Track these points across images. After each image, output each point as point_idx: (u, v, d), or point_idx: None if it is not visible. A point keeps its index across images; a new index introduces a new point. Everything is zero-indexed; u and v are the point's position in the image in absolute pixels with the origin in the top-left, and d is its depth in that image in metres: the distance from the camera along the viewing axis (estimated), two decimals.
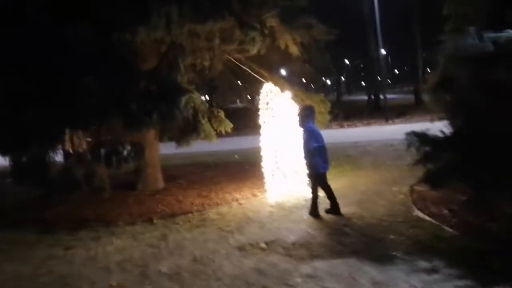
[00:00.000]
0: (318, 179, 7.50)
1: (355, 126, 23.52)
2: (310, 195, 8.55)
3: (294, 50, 9.84)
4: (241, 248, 6.39)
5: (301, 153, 7.73)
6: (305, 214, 7.62)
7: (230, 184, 10.79)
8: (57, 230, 8.38)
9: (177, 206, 9.27)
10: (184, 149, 12.04)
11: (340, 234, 6.58)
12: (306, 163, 7.59)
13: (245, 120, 16.61)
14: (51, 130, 8.25)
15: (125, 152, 8.43)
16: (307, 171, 7.67)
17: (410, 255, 5.58)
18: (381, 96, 32.62)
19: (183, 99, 7.94)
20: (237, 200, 9.26)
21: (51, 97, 8.20)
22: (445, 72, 7.30)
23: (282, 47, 9.56)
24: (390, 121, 22.64)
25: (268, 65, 10.85)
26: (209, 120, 9.94)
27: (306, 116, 7.58)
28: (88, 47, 8.32)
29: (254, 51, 9.30)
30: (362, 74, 74.62)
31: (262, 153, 9.35)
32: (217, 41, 8.77)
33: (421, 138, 6.17)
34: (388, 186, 9.21)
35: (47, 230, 8.44)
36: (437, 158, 5.92)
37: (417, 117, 22.99)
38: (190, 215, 8.48)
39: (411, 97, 35.78)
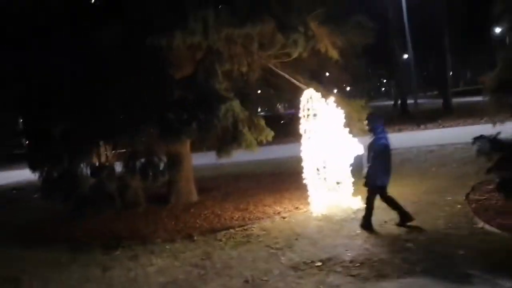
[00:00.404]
0: (377, 191, 6.91)
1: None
2: (358, 207, 8.03)
3: (334, 54, 9.29)
4: (295, 268, 5.84)
5: (364, 161, 7.07)
6: (358, 228, 7.04)
7: (267, 196, 10.24)
8: (91, 249, 7.99)
9: (216, 220, 8.77)
10: (212, 160, 11.60)
11: (403, 250, 5.99)
12: (368, 172, 6.92)
13: (282, 128, 16.14)
14: (83, 142, 7.85)
15: (161, 164, 7.95)
16: (366, 181, 7.00)
17: (488, 273, 4.99)
18: (409, 101, 31.87)
19: (223, 107, 7.46)
20: (279, 213, 8.72)
21: (83, 108, 7.81)
22: (505, 74, 6.78)
23: (323, 50, 9.02)
24: (422, 126, 21.87)
25: (303, 71, 10.30)
26: (249, 129, 9.41)
27: (376, 121, 6.97)
28: (120, 53, 7.95)
29: (295, 54, 8.79)
30: (384, 80, 73.84)
31: (303, 162, 8.81)
32: (255, 45, 8.28)
33: (493, 143, 5.56)
34: (440, 195, 8.58)
35: (80, 248, 8.06)
36: None
37: (450, 122, 22.26)
38: (232, 230, 7.97)
39: (437, 102, 34.91)
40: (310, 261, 5.97)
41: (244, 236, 7.54)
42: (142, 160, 8.28)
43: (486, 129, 6.62)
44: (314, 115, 8.62)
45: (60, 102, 7.62)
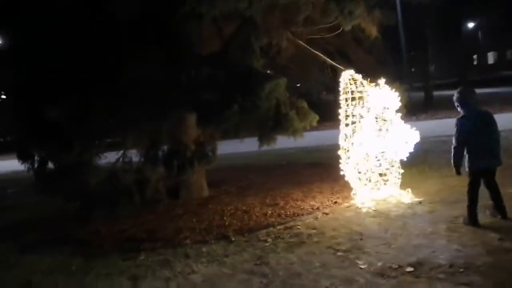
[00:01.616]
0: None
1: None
2: (411, 201, 7.17)
3: (374, 31, 8.31)
4: (382, 274, 4.86)
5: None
6: (427, 225, 6.13)
7: (291, 189, 9.23)
8: (106, 253, 6.81)
9: (246, 218, 7.69)
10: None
11: (501, 250, 5.09)
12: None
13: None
14: (98, 129, 6.60)
15: (188, 153, 6.78)
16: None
17: None
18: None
19: (267, 87, 6.37)
20: (318, 208, 7.73)
21: (96, 84, 6.54)
22: None
23: (364, 26, 8.01)
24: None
25: (327, 52, 9.26)
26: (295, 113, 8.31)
27: (471, 97, 5.96)
28: (139, 28, 6.76)
29: (348, 27, 7.74)
30: None
31: (340, 151, 7.87)
32: (301, 16, 7.19)
33: None
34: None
35: (93, 252, 6.84)
36: None
37: (441, 114, 21.75)
38: (272, 229, 6.93)
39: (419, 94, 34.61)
40: (396, 266, 5.00)
41: (292, 235, 6.50)
42: (165, 148, 7.07)
43: None
44: (359, 98, 7.66)
45: (73, 81, 6.34)
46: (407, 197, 7.48)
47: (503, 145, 6.30)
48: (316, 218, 7.19)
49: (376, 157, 7.63)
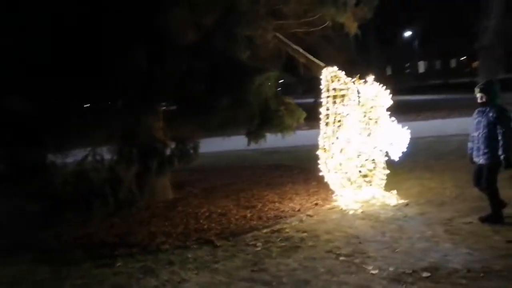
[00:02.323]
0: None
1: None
2: (396, 203, 7.01)
3: (354, 28, 8.05)
4: (398, 281, 4.57)
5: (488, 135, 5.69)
6: (425, 228, 5.93)
7: (263, 191, 8.80)
8: (75, 260, 6.05)
9: (224, 221, 7.17)
10: None
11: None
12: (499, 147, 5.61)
13: None
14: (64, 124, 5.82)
15: (167, 151, 6.16)
16: (484, 159, 5.77)
17: None
18: None
19: (257, 80, 5.89)
20: (299, 210, 7.35)
21: (67, 74, 5.79)
22: None
23: (345, 22, 7.70)
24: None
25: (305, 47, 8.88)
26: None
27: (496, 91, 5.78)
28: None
29: (342, 19, 7.40)
30: None
31: (319, 150, 7.58)
32: (291, 5, 6.75)
33: None
34: None
35: (59, 259, 6.05)
36: None
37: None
38: (257, 232, 6.48)
39: None
40: (410, 271, 4.71)
41: (282, 239, 6.07)
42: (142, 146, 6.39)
43: None
44: (342, 96, 7.38)
45: (43, 70, 5.53)
46: (392, 198, 7.28)
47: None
48: (301, 221, 6.81)
49: (360, 157, 7.35)
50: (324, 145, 7.57)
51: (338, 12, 7.23)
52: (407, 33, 47.81)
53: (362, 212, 6.89)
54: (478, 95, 5.71)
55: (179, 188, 9.68)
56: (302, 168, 10.69)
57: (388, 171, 7.44)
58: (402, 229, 6.04)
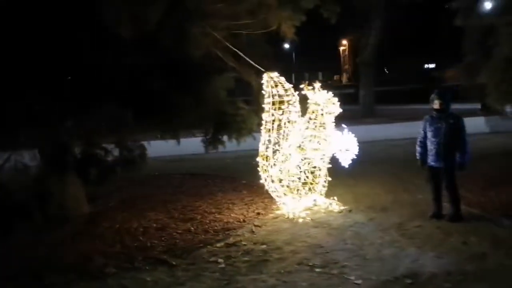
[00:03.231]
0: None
1: None
2: (340, 209, 7.08)
3: (290, 33, 7.90)
4: None
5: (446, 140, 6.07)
6: (382, 234, 6.00)
7: (194, 202, 8.26)
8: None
9: (166, 236, 6.57)
10: None
11: (481, 255, 5.15)
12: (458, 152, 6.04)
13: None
14: None
15: (109, 158, 5.44)
16: (445, 163, 6.10)
17: None
18: None
19: (214, 81, 5.45)
20: (244, 221, 7.04)
21: None
22: None
23: (274, 26, 7.50)
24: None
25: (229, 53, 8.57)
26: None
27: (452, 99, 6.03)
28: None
29: (300, 19, 7.10)
30: None
31: (259, 157, 7.37)
32: (246, 5, 6.33)
33: None
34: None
35: None
36: None
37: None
38: (210, 247, 6.02)
39: None
40: (392, 279, 4.71)
41: (243, 253, 5.72)
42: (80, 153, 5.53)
43: None
44: (281, 102, 7.22)
45: None
46: (334, 205, 7.31)
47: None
48: (253, 232, 6.51)
49: (302, 165, 7.25)
50: (265, 153, 7.34)
51: (295, 15, 7.05)
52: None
53: (311, 220, 6.79)
54: (437, 101, 5.95)
55: (91, 201, 8.70)
56: (223, 177, 10.37)
57: (330, 178, 7.43)
58: (360, 235, 6.05)
